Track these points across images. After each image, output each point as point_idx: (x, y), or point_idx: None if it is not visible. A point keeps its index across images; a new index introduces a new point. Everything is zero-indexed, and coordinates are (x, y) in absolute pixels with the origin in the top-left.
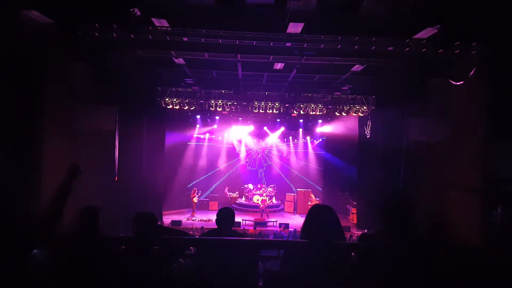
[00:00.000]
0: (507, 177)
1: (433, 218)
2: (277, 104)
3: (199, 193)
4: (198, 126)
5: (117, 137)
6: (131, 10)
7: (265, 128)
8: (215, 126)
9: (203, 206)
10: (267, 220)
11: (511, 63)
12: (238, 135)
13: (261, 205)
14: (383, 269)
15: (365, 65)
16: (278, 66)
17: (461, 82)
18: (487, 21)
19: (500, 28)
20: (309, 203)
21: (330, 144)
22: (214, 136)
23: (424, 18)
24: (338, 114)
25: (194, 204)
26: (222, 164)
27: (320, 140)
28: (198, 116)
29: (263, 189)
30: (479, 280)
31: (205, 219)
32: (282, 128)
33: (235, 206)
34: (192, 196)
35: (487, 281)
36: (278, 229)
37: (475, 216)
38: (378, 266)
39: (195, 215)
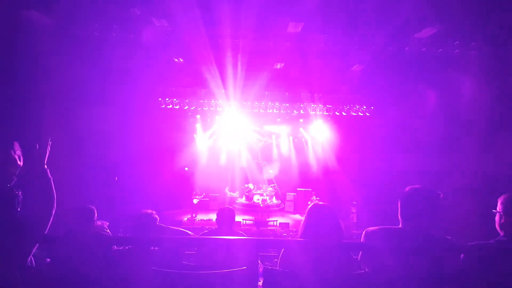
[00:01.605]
0: (505, 176)
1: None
2: (277, 104)
3: (203, 195)
4: (198, 125)
5: (117, 137)
6: (131, 9)
7: (265, 127)
8: (216, 125)
9: (203, 206)
10: (267, 219)
11: (510, 61)
12: (239, 134)
13: (262, 205)
14: (393, 266)
15: (365, 65)
16: (278, 65)
17: (460, 82)
18: (486, 20)
19: (499, 27)
20: (309, 202)
21: (329, 143)
22: (214, 136)
23: (424, 17)
24: (338, 114)
25: (194, 205)
26: (222, 163)
27: (320, 139)
28: (198, 116)
29: (263, 188)
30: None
31: (205, 218)
32: (283, 127)
33: (236, 205)
34: (193, 197)
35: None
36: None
37: (475, 215)
38: (387, 263)
39: (196, 215)
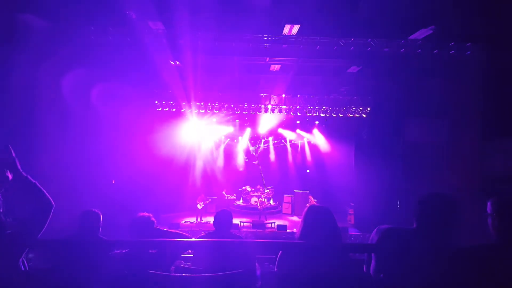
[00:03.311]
0: (503, 177)
1: None
2: (273, 106)
3: (209, 200)
4: (195, 127)
5: (113, 140)
6: (127, 13)
7: (261, 129)
8: (213, 127)
9: (201, 208)
10: (265, 222)
11: (506, 63)
12: (236, 136)
13: (259, 206)
14: (399, 267)
15: (361, 67)
16: (275, 67)
17: (456, 83)
18: (481, 22)
19: (494, 29)
20: (307, 204)
21: (326, 144)
22: (211, 138)
23: (419, 19)
24: (334, 115)
25: (198, 210)
26: (220, 165)
27: (317, 141)
28: (195, 118)
29: (260, 190)
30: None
31: (203, 221)
32: (280, 129)
33: (233, 208)
34: (197, 202)
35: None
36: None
37: (473, 216)
38: (394, 263)
39: (201, 220)
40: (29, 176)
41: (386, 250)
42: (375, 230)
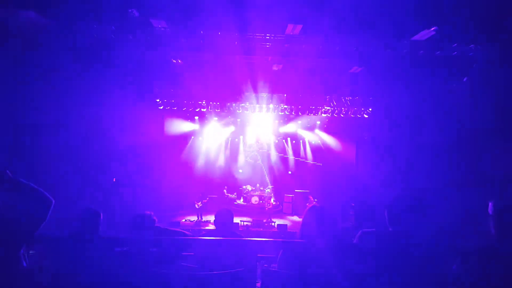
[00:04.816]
0: (505, 177)
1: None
2: (275, 105)
3: (207, 199)
4: (196, 126)
5: (114, 138)
6: (130, 11)
7: (263, 129)
8: (214, 126)
9: (202, 207)
10: (265, 221)
11: (508, 63)
12: (237, 135)
13: (266, 208)
14: (386, 265)
15: (363, 67)
16: (277, 67)
17: (459, 84)
18: (485, 23)
19: (497, 30)
20: (307, 204)
21: (327, 145)
22: (212, 137)
23: (422, 20)
24: (336, 116)
25: (198, 209)
26: (220, 164)
27: (319, 141)
28: (196, 117)
29: (261, 190)
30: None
31: (203, 219)
32: (281, 128)
33: (234, 207)
34: (195, 201)
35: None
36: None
37: (475, 216)
38: (382, 263)
39: (201, 219)
40: (21, 179)
41: (366, 251)
42: (358, 234)
